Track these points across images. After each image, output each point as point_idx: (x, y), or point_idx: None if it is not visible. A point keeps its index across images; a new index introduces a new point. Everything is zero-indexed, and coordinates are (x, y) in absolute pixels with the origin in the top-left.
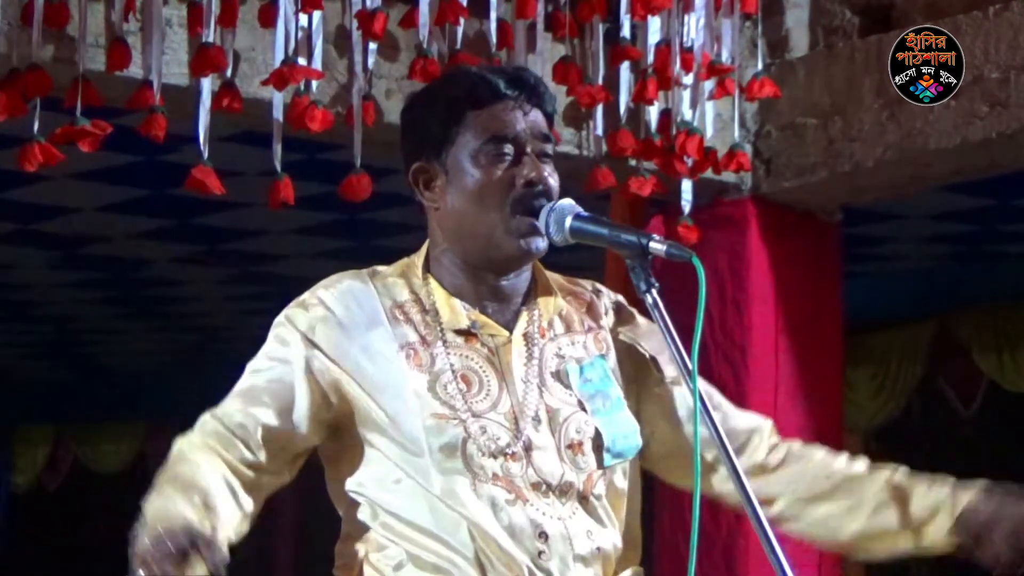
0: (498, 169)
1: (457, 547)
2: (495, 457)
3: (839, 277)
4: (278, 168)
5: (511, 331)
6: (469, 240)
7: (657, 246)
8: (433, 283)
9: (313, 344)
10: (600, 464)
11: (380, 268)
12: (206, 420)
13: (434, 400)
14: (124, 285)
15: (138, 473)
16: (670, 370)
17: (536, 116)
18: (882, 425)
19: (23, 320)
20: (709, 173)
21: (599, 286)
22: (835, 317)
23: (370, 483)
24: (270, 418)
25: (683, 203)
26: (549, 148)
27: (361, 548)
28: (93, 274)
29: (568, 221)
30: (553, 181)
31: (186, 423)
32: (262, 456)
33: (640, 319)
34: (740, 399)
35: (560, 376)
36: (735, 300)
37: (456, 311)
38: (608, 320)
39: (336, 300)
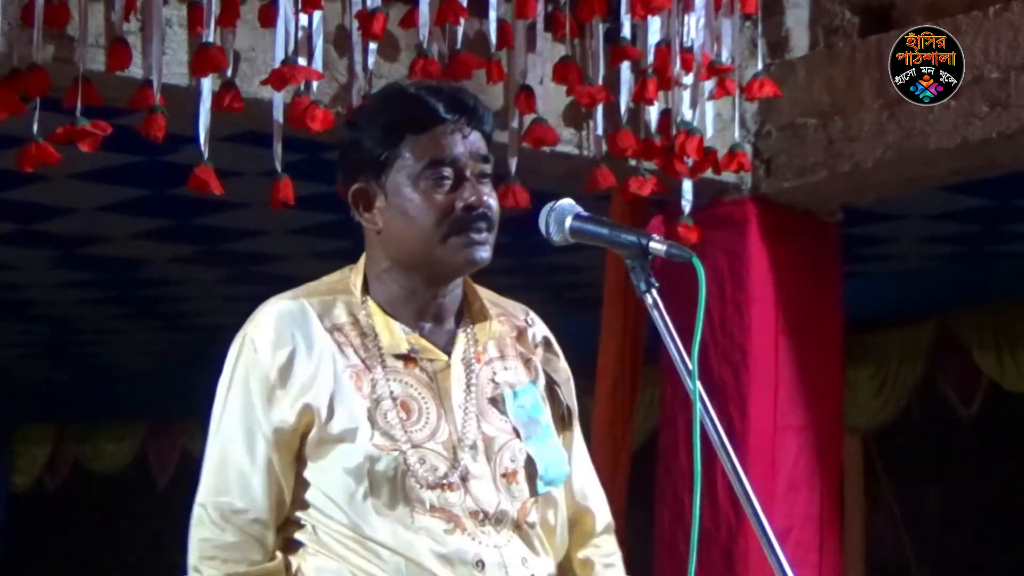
0: (438, 194)
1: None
2: (432, 488)
3: (839, 277)
4: (279, 168)
5: (449, 354)
6: (409, 260)
7: (657, 246)
8: (372, 305)
9: (271, 399)
10: (533, 492)
11: (312, 285)
12: (218, 533)
13: (374, 430)
14: (124, 285)
15: (138, 473)
16: (576, 422)
17: (475, 138)
18: (882, 425)
19: (23, 320)
20: (709, 173)
21: (532, 315)
22: (835, 317)
23: (311, 511)
24: (269, 504)
25: (683, 203)
26: (488, 168)
27: (295, 560)
28: (93, 274)
29: (568, 221)
30: (493, 202)
31: (186, 423)
32: (272, 538)
33: (562, 363)
34: (740, 399)
35: (496, 402)
36: (735, 300)
37: (395, 335)
38: (538, 353)
39: (272, 336)
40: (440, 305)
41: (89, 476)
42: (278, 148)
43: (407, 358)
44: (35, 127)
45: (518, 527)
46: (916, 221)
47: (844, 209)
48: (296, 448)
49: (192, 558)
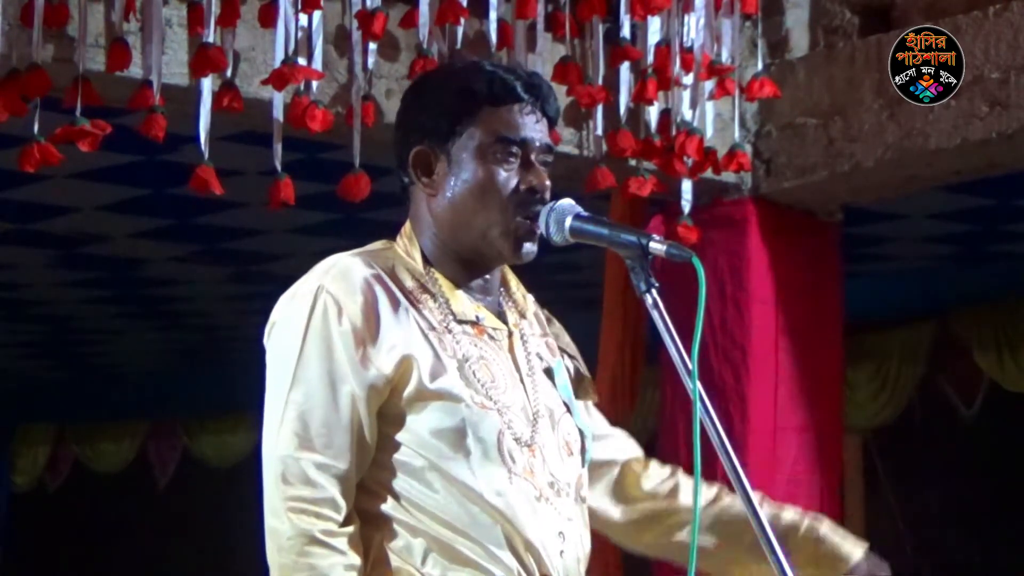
0: (503, 169)
1: (488, 544)
2: (523, 450)
3: (839, 277)
4: (278, 168)
5: (506, 324)
6: (463, 231)
7: (657, 246)
8: (437, 272)
9: (362, 351)
10: (583, 465)
11: (362, 251)
12: (307, 487)
13: (470, 389)
14: (124, 285)
15: (138, 473)
16: (593, 392)
17: (544, 126)
18: (882, 425)
19: (23, 320)
20: (709, 173)
21: (531, 297)
22: (835, 317)
23: (395, 474)
24: (353, 460)
25: (683, 203)
26: (550, 159)
27: (376, 534)
28: (93, 274)
29: (568, 221)
30: (548, 195)
31: (186, 423)
32: (352, 501)
33: (565, 334)
34: (740, 399)
35: (549, 374)
36: (735, 300)
37: (463, 302)
38: (550, 329)
39: (353, 288)
40: (488, 280)
41: (90, 476)
42: (278, 148)
43: (475, 325)
44: (35, 127)
45: (576, 501)
46: (916, 221)
47: (844, 209)
48: (383, 403)
49: (277, 513)
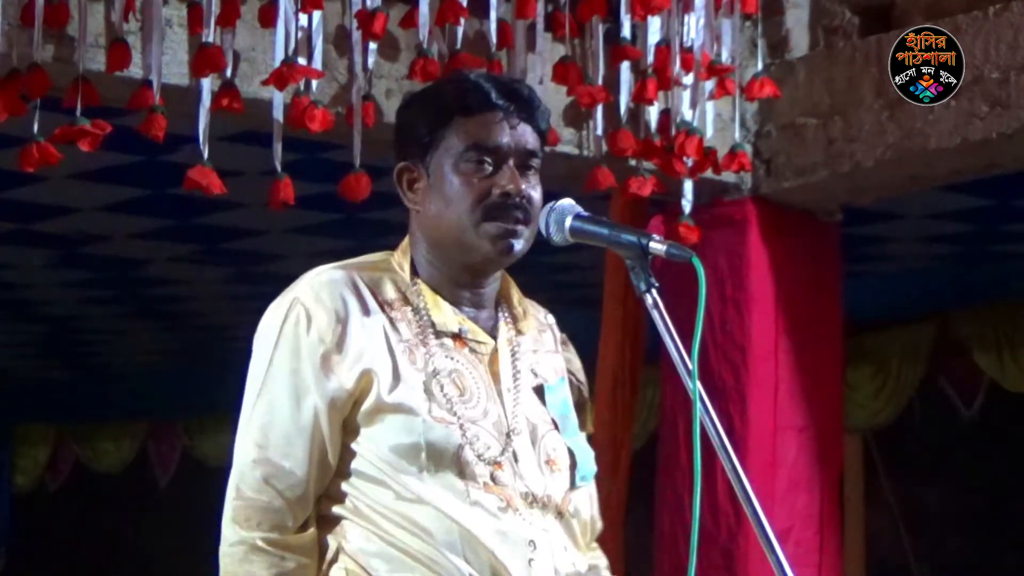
0: (476, 177)
1: (443, 550)
2: (488, 465)
3: (839, 277)
4: (278, 168)
5: (495, 339)
6: (446, 242)
7: (657, 246)
8: (421, 284)
9: (326, 364)
10: (572, 484)
11: (354, 261)
12: (257, 496)
13: (431, 402)
14: (124, 285)
15: (139, 473)
16: (590, 423)
17: (524, 130)
18: (882, 425)
19: (23, 320)
20: (709, 173)
21: (550, 316)
22: (835, 317)
23: (352, 481)
24: (311, 471)
25: (683, 203)
26: (534, 163)
27: (332, 540)
28: (93, 274)
29: (568, 221)
30: (535, 194)
31: (186, 423)
32: (309, 507)
33: (579, 362)
34: (740, 399)
35: (538, 392)
36: (735, 300)
37: (446, 314)
38: (560, 352)
39: (326, 302)
40: (480, 295)
41: (90, 476)
42: (278, 148)
43: (456, 338)
44: (35, 127)
45: (560, 515)
46: (916, 221)
47: (844, 209)
48: (346, 415)
49: (227, 519)
